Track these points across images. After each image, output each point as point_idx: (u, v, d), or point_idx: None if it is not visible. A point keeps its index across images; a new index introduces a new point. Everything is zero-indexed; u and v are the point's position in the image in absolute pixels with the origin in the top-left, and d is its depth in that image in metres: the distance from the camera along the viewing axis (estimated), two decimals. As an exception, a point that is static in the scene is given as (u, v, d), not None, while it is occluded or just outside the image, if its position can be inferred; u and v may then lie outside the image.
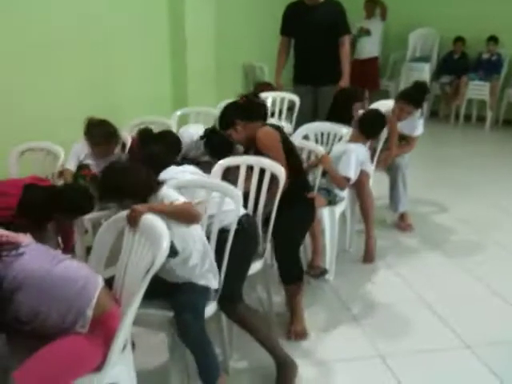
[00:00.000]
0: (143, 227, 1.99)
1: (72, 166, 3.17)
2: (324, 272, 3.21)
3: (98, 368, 1.82)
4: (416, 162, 4.48)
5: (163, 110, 4.60)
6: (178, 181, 2.52)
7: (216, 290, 2.32)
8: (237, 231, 2.37)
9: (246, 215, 2.54)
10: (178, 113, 4.20)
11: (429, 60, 7.89)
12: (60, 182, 3.09)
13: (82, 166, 3.19)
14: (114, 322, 1.84)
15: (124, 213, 2.09)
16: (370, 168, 3.60)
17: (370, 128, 3.46)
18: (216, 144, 3.21)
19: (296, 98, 4.72)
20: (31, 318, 1.82)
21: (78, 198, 2.66)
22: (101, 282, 1.91)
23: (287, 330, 2.78)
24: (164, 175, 2.49)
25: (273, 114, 4.64)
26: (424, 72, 7.62)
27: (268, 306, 2.91)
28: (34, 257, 1.86)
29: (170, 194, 2.23)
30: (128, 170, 2.28)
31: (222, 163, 2.79)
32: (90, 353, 1.80)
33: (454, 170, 5.64)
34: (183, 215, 2.17)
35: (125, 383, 1.94)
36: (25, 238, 1.98)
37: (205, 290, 2.25)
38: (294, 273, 2.82)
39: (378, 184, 4.10)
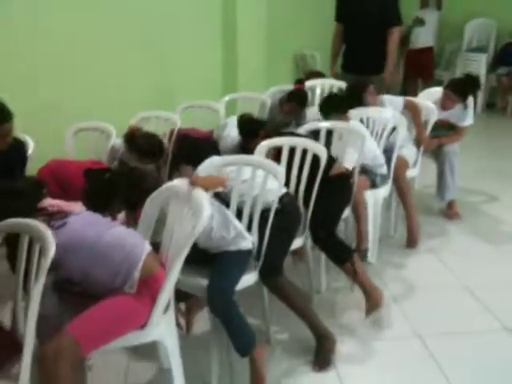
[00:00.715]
0: (188, 198, 2.09)
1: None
2: (366, 253, 3.25)
3: (144, 326, 1.95)
4: (469, 152, 4.44)
5: (213, 94, 4.71)
6: (225, 158, 2.62)
7: (253, 256, 2.41)
8: (279, 209, 2.45)
9: (288, 194, 2.62)
10: (227, 98, 4.31)
11: (485, 51, 7.68)
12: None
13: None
14: (159, 283, 1.96)
15: (165, 187, 2.21)
16: (410, 153, 3.62)
17: (462, 90, 3.78)
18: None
19: (344, 86, 4.73)
20: (82, 280, 1.97)
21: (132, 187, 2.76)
22: (147, 247, 2.03)
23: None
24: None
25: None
26: (480, 63, 7.44)
27: (308, 285, 2.98)
28: (85, 223, 2.01)
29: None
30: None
31: (266, 144, 2.87)
32: (137, 311, 1.93)
33: (507, 162, 5.51)
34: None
35: (167, 342, 2.06)
36: (77, 207, 2.13)
37: (238, 255, 2.33)
38: (341, 253, 2.84)
39: (427, 172, 4.09)
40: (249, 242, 2.38)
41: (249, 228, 2.47)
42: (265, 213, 2.45)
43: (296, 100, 3.97)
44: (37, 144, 3.04)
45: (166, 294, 1.96)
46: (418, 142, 3.83)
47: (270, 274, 2.46)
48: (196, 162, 2.57)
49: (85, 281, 1.97)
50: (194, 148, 2.97)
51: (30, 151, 2.98)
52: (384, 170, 3.40)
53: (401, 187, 3.60)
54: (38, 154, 3.02)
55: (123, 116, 3.51)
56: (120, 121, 3.42)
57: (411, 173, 3.77)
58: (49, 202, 2.10)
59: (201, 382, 2.33)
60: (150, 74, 4.43)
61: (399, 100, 3.87)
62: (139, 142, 3.08)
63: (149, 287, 1.95)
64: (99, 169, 2.86)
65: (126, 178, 2.48)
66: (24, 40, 3.91)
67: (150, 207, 2.21)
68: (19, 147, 2.88)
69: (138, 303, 1.93)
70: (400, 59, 7.43)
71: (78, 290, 2.01)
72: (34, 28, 3.93)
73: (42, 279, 1.65)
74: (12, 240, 1.87)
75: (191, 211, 2.02)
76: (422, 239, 3.68)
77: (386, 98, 3.91)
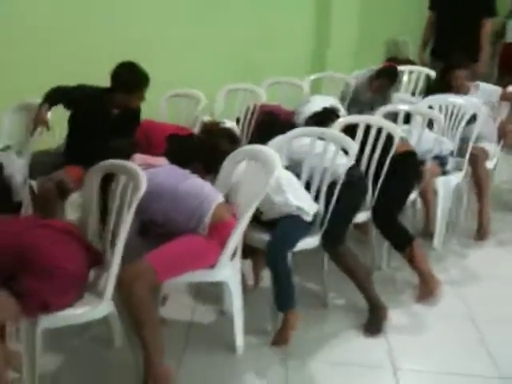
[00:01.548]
0: (260, 157, 2.30)
1: None
2: (431, 237, 3.33)
3: (213, 266, 2.20)
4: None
5: (300, 72, 4.86)
6: (301, 129, 2.80)
7: (318, 223, 2.58)
8: (347, 181, 2.60)
9: (356, 168, 2.76)
10: (312, 77, 4.46)
11: None
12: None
13: None
14: (228, 230, 2.20)
15: (243, 149, 2.47)
16: (491, 145, 3.61)
17: None
18: None
19: (433, 73, 4.74)
20: (164, 222, 2.26)
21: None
22: (220, 198, 2.29)
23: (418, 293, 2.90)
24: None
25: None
26: None
27: (370, 260, 3.11)
28: (168, 174, 2.33)
29: None
30: None
31: (342, 120, 3.01)
32: (208, 251, 2.19)
33: None
34: None
35: (232, 284, 2.31)
36: (161, 160, 2.44)
37: (298, 220, 2.51)
38: (400, 238, 2.94)
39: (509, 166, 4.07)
40: (313, 209, 2.55)
41: (316, 198, 2.64)
42: (332, 185, 2.61)
43: (385, 75, 4.02)
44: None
45: (235, 240, 2.20)
46: (499, 134, 3.80)
47: (332, 242, 2.62)
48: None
49: (166, 223, 2.26)
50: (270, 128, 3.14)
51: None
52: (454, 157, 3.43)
53: (478, 177, 3.60)
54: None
55: (213, 87, 3.77)
56: (210, 91, 3.69)
57: (488, 165, 3.76)
58: (138, 156, 2.41)
59: (257, 327, 2.55)
60: (240, 48, 4.66)
61: (497, 90, 3.86)
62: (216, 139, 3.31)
63: (219, 232, 2.20)
64: (182, 135, 3.14)
65: (205, 146, 2.73)
66: (120, 18, 4.27)
67: (228, 166, 2.43)
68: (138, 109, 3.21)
69: (209, 245, 2.19)
70: (495, 53, 7.21)
71: (160, 231, 2.29)
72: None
73: (134, 208, 1.93)
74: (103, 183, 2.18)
75: (264, 170, 2.22)
76: (494, 233, 3.68)
77: (483, 85, 3.91)
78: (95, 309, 1.98)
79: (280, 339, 2.46)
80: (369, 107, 4.01)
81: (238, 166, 2.46)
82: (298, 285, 2.94)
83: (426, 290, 2.87)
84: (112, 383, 2.21)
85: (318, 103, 3.58)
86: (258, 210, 2.46)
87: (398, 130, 2.87)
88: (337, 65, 5.06)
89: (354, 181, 2.68)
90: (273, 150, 2.34)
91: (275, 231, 2.47)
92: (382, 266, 3.19)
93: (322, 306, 2.81)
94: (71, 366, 2.31)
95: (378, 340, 2.55)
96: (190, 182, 2.31)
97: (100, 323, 2.44)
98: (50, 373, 2.21)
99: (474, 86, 3.89)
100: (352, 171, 2.68)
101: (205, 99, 3.60)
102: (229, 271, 2.28)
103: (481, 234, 3.64)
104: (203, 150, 2.72)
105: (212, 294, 2.79)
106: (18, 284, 1.82)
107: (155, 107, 3.66)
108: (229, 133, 3.01)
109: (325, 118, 3.10)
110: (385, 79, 4.01)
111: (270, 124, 3.24)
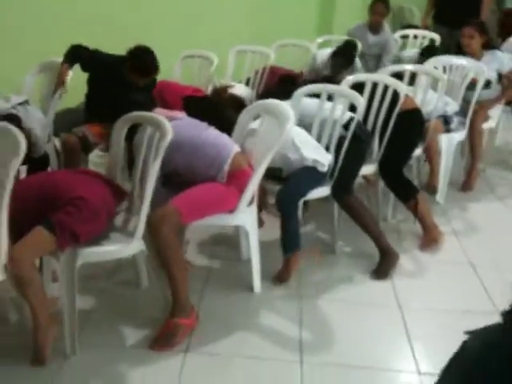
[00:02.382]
0: (275, 111, 2.45)
1: None
2: (435, 191, 3.50)
3: (231, 211, 2.38)
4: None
5: (307, 34, 4.97)
6: (313, 86, 2.94)
7: (328, 174, 2.75)
8: (354, 136, 2.76)
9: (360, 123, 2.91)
10: (320, 40, 4.57)
11: None
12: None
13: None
14: (245, 178, 2.37)
15: (258, 103, 2.61)
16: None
17: None
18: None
19: (437, 37, 4.84)
20: (186, 171, 2.43)
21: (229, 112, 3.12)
22: (237, 148, 2.45)
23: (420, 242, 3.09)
24: None
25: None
26: None
27: (376, 211, 3.28)
28: (187, 125, 2.49)
29: None
30: None
31: (351, 78, 3.14)
32: (228, 196, 2.36)
33: None
34: None
35: (249, 228, 2.49)
36: (181, 114, 2.60)
37: (313, 170, 2.68)
38: (405, 191, 3.10)
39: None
40: (328, 160, 2.71)
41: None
42: (341, 138, 2.77)
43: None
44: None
45: (252, 187, 2.37)
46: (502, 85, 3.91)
47: (341, 191, 2.80)
48: None
49: (187, 172, 2.42)
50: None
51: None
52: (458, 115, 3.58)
53: (472, 134, 3.77)
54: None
55: (223, 48, 3.89)
56: (222, 53, 3.82)
57: (487, 125, 3.90)
58: (159, 110, 2.57)
59: (272, 271, 2.73)
60: (250, 11, 4.77)
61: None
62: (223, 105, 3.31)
63: (237, 179, 2.36)
64: (196, 97, 3.28)
65: (214, 111, 2.85)
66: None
67: (244, 118, 2.58)
68: None
69: (229, 191, 2.36)
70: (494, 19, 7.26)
71: (183, 179, 2.45)
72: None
73: (161, 155, 2.09)
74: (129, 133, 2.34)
75: (278, 122, 2.38)
76: (492, 189, 3.86)
77: (499, 53, 3.98)
78: (127, 247, 2.16)
79: (280, 278, 2.68)
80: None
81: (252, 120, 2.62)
82: (309, 233, 3.16)
83: (430, 239, 3.06)
84: (140, 321, 2.38)
85: (325, 53, 3.81)
86: (278, 169, 2.65)
87: (403, 87, 3.00)
88: (344, 28, 5.13)
89: (360, 134, 2.83)
90: (287, 105, 2.48)
91: (288, 179, 2.64)
92: (387, 217, 3.37)
93: (331, 253, 3.00)
94: (101, 306, 2.50)
95: (384, 283, 2.75)
96: (209, 133, 2.47)
97: (126, 267, 2.66)
98: (81, 313, 2.38)
99: (490, 53, 3.95)
100: (359, 126, 2.83)
101: (217, 60, 3.72)
102: (246, 216, 2.46)
103: (467, 185, 3.85)
104: (213, 114, 2.83)
105: (230, 242, 2.99)
106: (47, 221, 1.99)
107: (169, 68, 3.79)
108: (236, 100, 3.15)
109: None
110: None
111: (290, 82, 3.39)
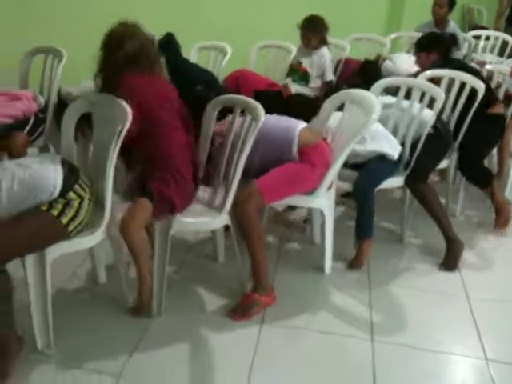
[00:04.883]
0: (360, 100, 2.55)
1: None
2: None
3: (311, 193, 2.49)
4: None
5: (376, 29, 5.01)
6: (392, 79, 3.02)
7: (403, 165, 2.84)
8: (434, 130, 2.84)
9: (441, 118, 2.97)
10: (393, 35, 4.62)
11: None
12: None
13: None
14: (318, 151, 2.46)
15: (342, 92, 2.69)
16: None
17: None
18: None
19: (510, 39, 4.81)
20: (260, 160, 2.47)
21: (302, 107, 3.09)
22: (301, 124, 2.49)
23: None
24: None
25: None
26: None
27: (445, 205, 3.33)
28: None
29: None
30: None
31: (429, 73, 3.18)
32: (306, 176, 2.46)
33: None
34: None
35: (326, 211, 2.60)
36: None
37: (386, 161, 2.76)
38: (484, 178, 3.22)
39: None
40: (397, 151, 2.78)
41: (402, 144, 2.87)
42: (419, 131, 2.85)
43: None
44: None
45: (332, 174, 2.48)
46: None
47: (416, 179, 2.87)
48: None
49: (262, 160, 2.48)
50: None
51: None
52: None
53: (503, 146, 3.64)
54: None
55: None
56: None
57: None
58: None
59: (343, 256, 2.85)
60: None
61: None
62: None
63: (309, 156, 2.44)
64: (268, 92, 3.37)
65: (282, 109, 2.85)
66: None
67: (329, 106, 2.67)
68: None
69: (306, 169, 2.45)
70: None
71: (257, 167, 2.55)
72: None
73: (254, 136, 2.22)
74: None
75: (364, 111, 2.47)
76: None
77: None
78: (216, 220, 2.32)
79: (354, 263, 2.78)
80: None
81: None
82: (377, 222, 3.24)
83: (502, 219, 3.17)
84: (217, 292, 2.54)
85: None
86: None
87: (481, 85, 3.04)
88: (413, 24, 5.15)
89: (441, 130, 2.91)
90: (373, 95, 2.57)
91: (364, 169, 2.74)
92: (456, 213, 3.42)
93: (399, 242, 3.08)
94: (182, 276, 2.67)
95: (451, 274, 2.81)
96: (269, 118, 2.48)
97: (204, 243, 2.81)
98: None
99: None
100: (439, 121, 2.91)
101: (295, 50, 3.83)
102: (325, 200, 2.56)
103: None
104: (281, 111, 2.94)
105: (300, 225, 3.13)
106: (147, 190, 2.18)
107: (245, 56, 3.93)
108: (304, 100, 3.24)
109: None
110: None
111: (373, 72, 3.48)
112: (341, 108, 2.66)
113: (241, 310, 2.37)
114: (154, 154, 2.27)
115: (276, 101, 3.08)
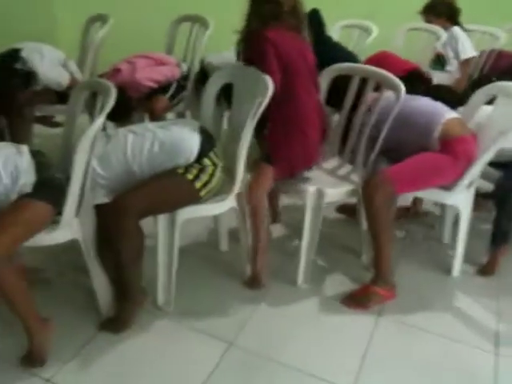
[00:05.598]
0: None
1: None
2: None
3: (448, 188, 2.32)
4: None
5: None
6: None
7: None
8: None
9: None
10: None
11: None
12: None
13: None
14: (463, 145, 2.28)
15: (493, 84, 2.47)
16: None
17: None
18: None
19: None
20: (396, 142, 2.38)
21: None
22: (451, 114, 2.34)
23: None
24: None
25: None
26: None
27: None
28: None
29: None
30: None
31: None
32: (445, 168, 2.28)
33: None
34: None
35: (463, 210, 2.43)
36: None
37: None
38: None
39: None
40: None
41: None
42: None
43: None
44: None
45: (477, 168, 2.30)
46: None
47: None
48: None
49: (398, 143, 2.39)
50: None
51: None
52: None
53: None
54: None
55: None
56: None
57: None
58: None
59: (473, 259, 2.65)
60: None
61: None
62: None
63: (453, 147, 2.27)
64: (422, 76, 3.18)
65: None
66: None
67: (479, 98, 2.46)
68: None
69: (445, 161, 2.27)
70: None
71: (394, 155, 2.43)
72: None
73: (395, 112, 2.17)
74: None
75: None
76: None
77: None
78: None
79: (486, 270, 2.57)
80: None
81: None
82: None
83: None
84: (220, 281, 2.44)
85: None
86: None
87: None
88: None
89: None
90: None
91: (510, 169, 2.51)
92: None
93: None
94: (185, 266, 2.31)
95: None
96: (419, 102, 2.41)
97: (209, 233, 2.77)
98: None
99: None
100: None
101: (445, 35, 3.60)
102: (463, 197, 2.39)
103: None
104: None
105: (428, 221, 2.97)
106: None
107: (390, 38, 3.76)
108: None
109: None
110: None
111: None
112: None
113: (357, 299, 2.30)
114: (285, 116, 2.24)
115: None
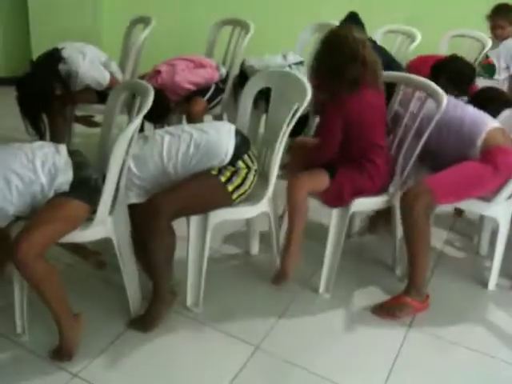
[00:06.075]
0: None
1: None
2: None
3: (488, 199, 2.27)
4: None
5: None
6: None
7: None
8: None
9: None
10: None
11: None
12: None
13: None
14: (504, 156, 2.22)
15: None
16: None
17: None
18: None
19: None
20: (437, 147, 2.35)
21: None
22: (493, 124, 2.29)
23: None
24: None
25: None
26: None
27: None
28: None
29: None
30: None
31: None
32: (486, 178, 2.23)
33: None
34: None
35: (502, 222, 2.36)
36: None
37: None
38: None
39: None
40: None
41: None
42: None
43: None
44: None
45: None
46: None
47: None
48: None
49: (439, 149, 2.36)
50: None
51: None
52: None
53: None
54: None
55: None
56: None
57: None
58: None
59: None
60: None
61: None
62: None
63: (493, 156, 2.22)
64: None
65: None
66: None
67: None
68: None
69: (485, 171, 2.22)
70: None
71: (430, 164, 2.41)
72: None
73: (434, 122, 2.13)
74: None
75: None
76: None
77: None
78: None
79: None
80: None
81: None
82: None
83: None
84: (249, 284, 2.43)
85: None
86: None
87: None
88: None
89: None
90: None
91: None
92: None
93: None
94: (215, 268, 2.33)
95: None
96: (465, 110, 2.36)
97: (239, 236, 2.74)
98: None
99: None
100: None
101: (490, 44, 3.52)
102: (502, 209, 2.33)
103: None
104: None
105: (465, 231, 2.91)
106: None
107: (434, 45, 3.70)
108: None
109: None
110: None
111: None
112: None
113: (388, 309, 2.26)
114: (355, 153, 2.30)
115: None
